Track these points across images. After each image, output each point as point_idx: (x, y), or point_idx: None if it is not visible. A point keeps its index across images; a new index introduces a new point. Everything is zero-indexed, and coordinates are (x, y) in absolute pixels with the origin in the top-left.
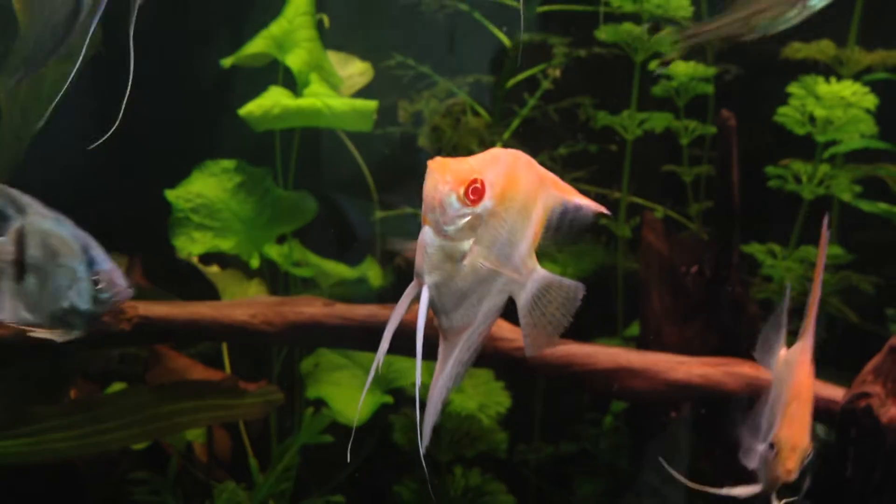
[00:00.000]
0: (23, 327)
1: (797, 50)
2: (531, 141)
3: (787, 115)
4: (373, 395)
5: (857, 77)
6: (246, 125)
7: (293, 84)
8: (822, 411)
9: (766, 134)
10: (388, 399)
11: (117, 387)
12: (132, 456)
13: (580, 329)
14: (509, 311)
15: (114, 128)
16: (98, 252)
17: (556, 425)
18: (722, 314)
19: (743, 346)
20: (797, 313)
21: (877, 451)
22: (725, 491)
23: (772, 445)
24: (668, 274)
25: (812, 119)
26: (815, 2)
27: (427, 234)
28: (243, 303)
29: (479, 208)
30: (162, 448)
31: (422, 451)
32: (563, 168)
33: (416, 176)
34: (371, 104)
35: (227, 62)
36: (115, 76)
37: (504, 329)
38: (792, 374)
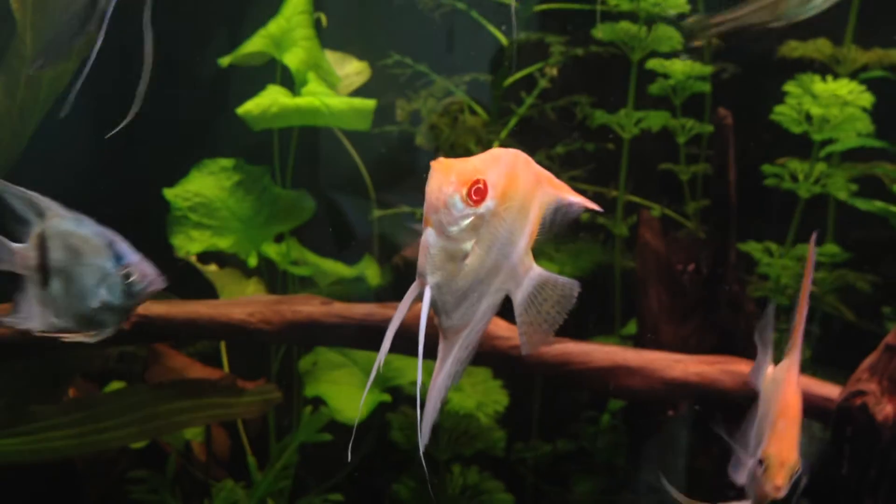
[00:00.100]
0: (54, 335)
1: (794, 48)
2: (529, 139)
3: (783, 113)
4: (371, 394)
5: (853, 75)
6: (244, 124)
7: (291, 83)
8: (817, 409)
9: (763, 132)
10: (387, 397)
11: (116, 385)
12: (131, 454)
13: (577, 327)
14: (506, 310)
15: (122, 124)
16: (123, 246)
17: (554, 424)
18: (719, 312)
19: (740, 344)
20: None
21: (872, 449)
22: None
23: (760, 461)
24: (665, 272)
25: (808, 117)
26: None
27: (430, 234)
28: (241, 301)
29: (482, 209)
30: (160, 447)
31: (421, 450)
32: (561, 167)
33: (414, 175)
34: (369, 103)
35: (224, 61)
36: (115, 76)
37: (501, 327)
38: (779, 391)
